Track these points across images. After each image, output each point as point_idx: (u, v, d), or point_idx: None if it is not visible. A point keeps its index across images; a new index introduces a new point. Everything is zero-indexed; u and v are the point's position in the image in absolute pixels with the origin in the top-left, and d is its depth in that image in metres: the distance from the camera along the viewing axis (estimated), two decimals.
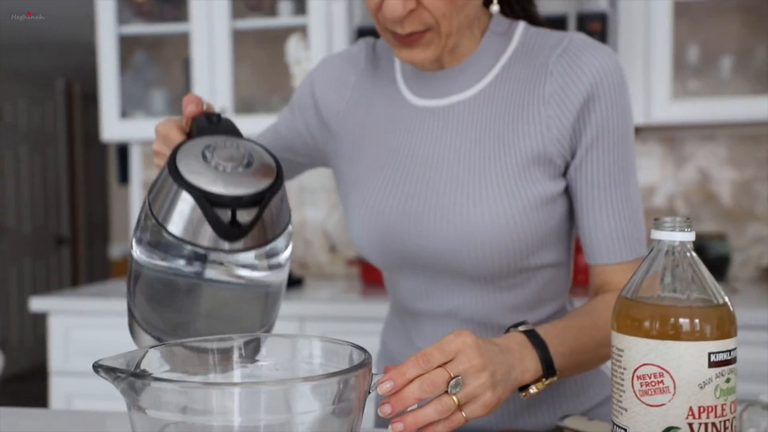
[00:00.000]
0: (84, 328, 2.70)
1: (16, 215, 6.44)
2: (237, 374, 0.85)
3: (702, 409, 0.69)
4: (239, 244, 0.84)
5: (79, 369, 2.70)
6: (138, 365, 0.78)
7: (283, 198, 0.89)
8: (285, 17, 2.92)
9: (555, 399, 1.13)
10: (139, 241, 0.88)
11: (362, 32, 2.59)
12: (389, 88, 1.15)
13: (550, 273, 1.11)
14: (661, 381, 0.69)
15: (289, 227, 0.92)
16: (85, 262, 7.39)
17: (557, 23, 2.37)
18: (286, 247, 0.92)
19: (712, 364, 0.69)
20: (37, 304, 2.75)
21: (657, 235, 0.73)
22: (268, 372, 0.85)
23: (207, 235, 0.82)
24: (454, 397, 0.82)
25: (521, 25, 1.10)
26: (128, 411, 0.73)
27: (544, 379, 0.94)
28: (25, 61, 6.41)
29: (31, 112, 6.64)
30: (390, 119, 1.13)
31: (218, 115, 0.93)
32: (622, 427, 0.72)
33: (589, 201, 1.06)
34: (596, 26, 2.52)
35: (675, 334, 0.69)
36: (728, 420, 0.69)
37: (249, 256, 0.87)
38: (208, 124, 0.91)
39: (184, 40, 3.05)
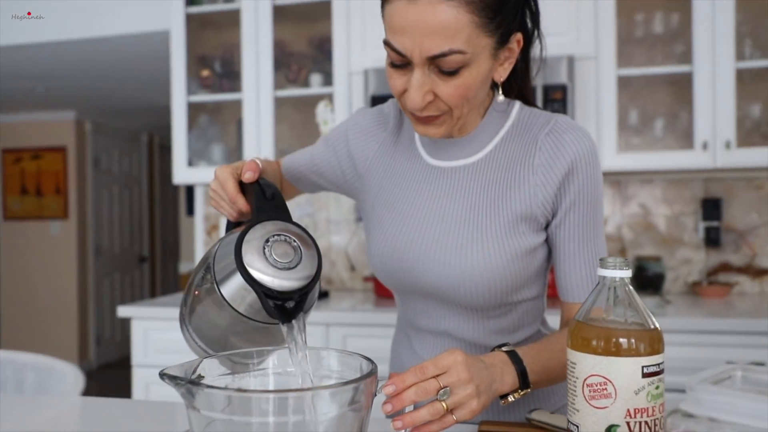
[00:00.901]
0: (159, 330, 2.71)
1: (109, 239, 6.48)
2: (271, 380, 0.85)
3: (637, 411, 0.68)
4: None
5: (155, 363, 2.70)
6: (194, 371, 0.78)
7: (318, 281, 0.88)
8: (315, 88, 2.95)
9: (527, 400, 1.12)
10: (198, 289, 0.88)
11: (375, 100, 2.61)
12: (409, 148, 1.14)
13: (528, 305, 1.11)
14: (605, 388, 0.69)
15: (316, 299, 0.92)
16: (160, 275, 7.42)
17: None
18: (315, 299, 0.91)
19: (644, 375, 0.69)
20: (122, 311, 2.76)
21: (602, 272, 0.73)
22: (295, 379, 0.85)
23: (261, 314, 0.83)
24: (443, 403, 0.84)
25: (517, 105, 1.10)
26: (186, 409, 0.73)
27: (520, 390, 0.95)
28: (117, 122, 6.48)
29: (122, 161, 6.71)
30: (408, 173, 1.12)
31: (273, 193, 0.91)
32: (575, 425, 0.72)
33: (566, 252, 1.05)
34: (558, 95, 2.53)
35: (616, 351, 0.69)
36: (657, 419, 0.69)
37: None
38: (264, 199, 0.90)
39: (237, 105, 3.08)
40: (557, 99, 2.52)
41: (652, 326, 0.70)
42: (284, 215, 0.89)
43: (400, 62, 0.95)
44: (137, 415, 1.16)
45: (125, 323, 6.44)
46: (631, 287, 0.73)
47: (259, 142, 2.93)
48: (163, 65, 3.81)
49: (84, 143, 6.20)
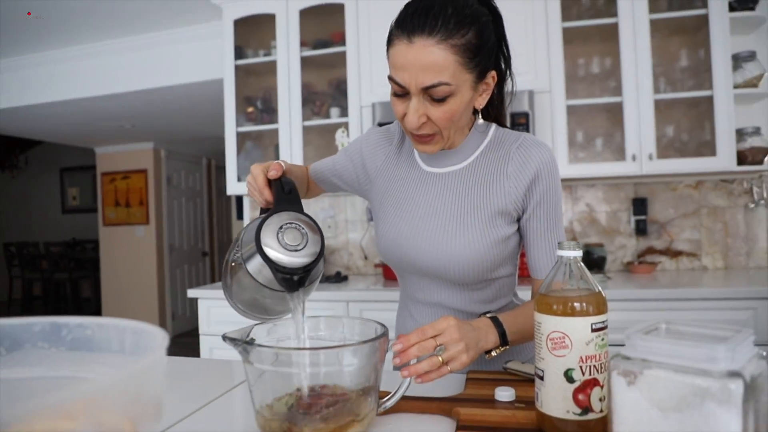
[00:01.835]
0: (218, 307, 2.70)
1: (179, 239, 6.48)
2: (307, 342, 0.84)
3: (588, 357, 0.67)
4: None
5: (216, 331, 2.69)
6: (248, 334, 0.78)
7: (323, 260, 0.87)
8: (334, 118, 2.94)
9: (504, 354, 1.11)
10: (233, 264, 0.88)
11: (381, 125, 2.59)
12: (409, 158, 1.13)
13: (504, 281, 1.10)
14: (564, 341, 0.68)
15: (321, 275, 0.90)
16: (218, 266, 7.41)
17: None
18: (320, 276, 0.91)
19: (593, 330, 0.67)
20: (191, 293, 2.76)
21: (560, 253, 0.72)
22: (326, 340, 0.85)
23: (274, 284, 0.83)
24: (440, 357, 0.84)
25: (493, 126, 1.09)
26: (243, 364, 0.73)
27: (500, 347, 0.96)
28: (184, 149, 6.49)
29: (187, 179, 6.70)
30: (408, 178, 1.12)
31: (290, 189, 0.91)
32: (541, 369, 0.70)
33: (534, 240, 1.05)
34: (522, 120, 2.51)
35: (571, 312, 0.68)
36: (603, 363, 0.68)
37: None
38: (282, 193, 0.90)
39: (274, 133, 3.07)
40: (522, 123, 2.50)
41: (598, 290, 0.69)
42: (298, 207, 0.89)
43: (401, 92, 0.94)
44: (205, 370, 1.16)
45: (193, 302, 6.45)
46: (581, 264, 0.72)
47: (291, 161, 2.91)
48: (218, 105, 3.82)
49: (160, 166, 6.20)
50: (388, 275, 2.84)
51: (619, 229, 2.89)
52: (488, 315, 0.98)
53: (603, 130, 2.82)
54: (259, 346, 0.68)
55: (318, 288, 2.62)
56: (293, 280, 0.81)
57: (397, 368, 1.19)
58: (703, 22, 2.56)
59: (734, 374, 0.47)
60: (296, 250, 0.82)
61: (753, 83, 2.56)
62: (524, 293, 1.18)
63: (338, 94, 3.02)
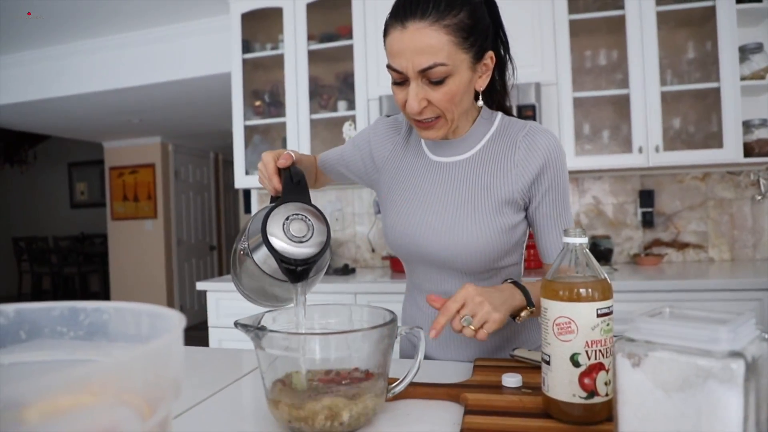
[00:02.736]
0: (227, 300, 2.72)
1: (187, 233, 6.51)
2: (317, 328, 0.85)
3: (593, 342, 0.68)
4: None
5: (225, 324, 2.72)
6: (259, 322, 0.79)
7: (328, 251, 0.88)
8: (341, 111, 2.95)
9: (511, 344, 1.12)
10: (241, 252, 0.89)
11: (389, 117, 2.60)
12: (417, 148, 1.13)
13: (510, 270, 1.10)
14: (570, 326, 0.69)
15: (326, 266, 0.91)
16: (226, 259, 7.45)
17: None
18: (326, 266, 0.92)
19: (598, 315, 0.68)
20: (200, 285, 2.78)
21: (566, 239, 0.73)
22: (335, 327, 0.86)
23: (279, 273, 0.84)
24: (471, 327, 0.88)
25: (499, 115, 1.09)
26: (255, 349, 0.74)
27: (528, 307, 0.97)
28: (191, 143, 6.51)
29: (195, 173, 6.73)
30: (416, 167, 1.12)
31: (299, 180, 0.91)
32: (547, 354, 0.72)
33: (544, 227, 1.05)
34: (529, 113, 2.51)
35: (577, 298, 0.69)
36: (608, 348, 0.69)
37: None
38: (291, 183, 0.90)
39: (282, 127, 3.08)
40: (529, 116, 2.50)
41: (603, 277, 0.70)
42: (305, 198, 0.89)
43: (400, 79, 0.95)
44: (215, 359, 1.17)
45: (201, 295, 6.49)
46: (587, 250, 0.72)
47: None
48: (225, 99, 3.83)
49: (167, 160, 6.23)
50: (396, 268, 2.86)
51: (625, 221, 2.89)
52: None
53: (610, 122, 2.81)
54: (271, 331, 0.70)
55: (326, 280, 2.64)
56: (296, 271, 0.82)
57: (404, 356, 1.20)
58: (710, 13, 2.55)
59: (736, 354, 0.48)
60: (301, 242, 0.83)
61: (760, 75, 2.55)
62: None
63: (345, 87, 3.02)
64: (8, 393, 0.29)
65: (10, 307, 0.54)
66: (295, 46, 2.94)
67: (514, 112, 1.27)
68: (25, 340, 0.54)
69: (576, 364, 0.69)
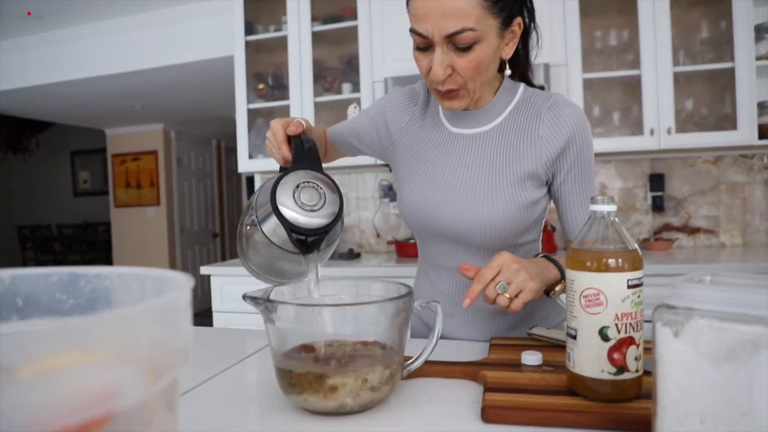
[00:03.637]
0: (231, 284, 2.70)
1: (190, 220, 6.49)
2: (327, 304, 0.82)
3: (623, 315, 0.64)
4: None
5: (229, 309, 2.69)
6: (268, 295, 0.76)
7: (341, 222, 0.84)
8: (346, 94, 2.90)
9: (527, 322, 1.09)
10: (248, 226, 0.86)
11: None
12: (435, 119, 1.09)
13: (528, 247, 1.07)
14: (598, 298, 0.65)
15: (338, 238, 0.87)
16: (229, 247, 7.43)
17: None
18: (337, 239, 0.88)
19: (629, 286, 0.65)
20: (204, 270, 2.75)
21: (593, 207, 0.69)
22: (349, 301, 0.82)
23: (288, 244, 0.80)
24: (506, 295, 0.85)
25: (522, 86, 1.05)
26: (264, 324, 0.71)
27: (563, 281, 0.94)
28: (194, 130, 6.47)
29: (198, 160, 6.69)
30: (434, 139, 1.08)
31: (309, 147, 0.87)
32: (573, 329, 0.68)
33: (569, 203, 1.03)
34: None
35: (606, 268, 0.65)
36: (638, 321, 0.65)
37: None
38: (302, 151, 0.86)
39: (286, 110, 3.04)
40: None
41: (633, 247, 0.66)
42: (316, 166, 0.85)
43: (424, 45, 0.91)
44: (220, 339, 1.14)
45: (205, 282, 6.47)
46: (616, 218, 0.69)
47: None
48: (228, 83, 3.79)
49: (170, 148, 6.19)
50: (401, 252, 2.82)
51: (635, 206, 2.85)
52: (540, 256, 0.97)
53: (620, 104, 2.76)
54: (283, 303, 0.66)
55: (330, 265, 2.60)
56: (308, 241, 0.78)
57: (415, 336, 1.17)
58: None
59: None
60: (313, 210, 0.79)
61: None
62: None
63: (350, 69, 2.97)
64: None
65: (6, 273, 0.50)
66: (298, 27, 2.89)
67: (534, 78, 1.23)
68: (22, 308, 0.50)
69: (605, 338, 0.65)
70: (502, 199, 0.98)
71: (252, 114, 3.07)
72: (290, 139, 0.89)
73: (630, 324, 0.65)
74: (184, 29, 3.64)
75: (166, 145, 6.13)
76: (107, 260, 7.43)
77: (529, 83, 1.09)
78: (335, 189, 0.82)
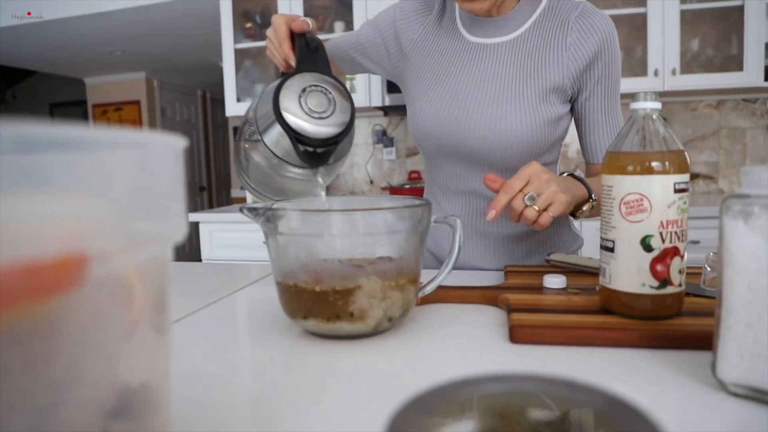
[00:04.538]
0: (220, 232, 2.63)
1: None
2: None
3: (669, 222, 0.58)
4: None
5: (219, 257, 2.62)
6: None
7: (351, 135, 0.75)
8: (339, 33, 2.75)
9: (543, 249, 1.03)
10: (247, 137, 0.77)
11: None
12: (451, 28, 1.01)
13: (548, 168, 1.00)
14: (641, 204, 0.58)
15: (347, 155, 0.79)
16: (216, 200, 7.32)
17: None
18: (346, 155, 0.80)
19: (676, 191, 0.58)
20: (192, 217, 2.67)
21: (634, 106, 0.61)
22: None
23: (293, 157, 0.71)
24: (535, 207, 0.77)
25: None
26: (266, 241, 0.63)
27: (591, 200, 0.87)
28: (178, 79, 6.27)
29: (182, 111, 6.50)
30: (450, 50, 0.99)
31: (316, 46, 0.78)
32: (611, 240, 0.61)
33: (593, 121, 0.96)
34: None
35: (650, 171, 0.58)
36: (684, 230, 0.59)
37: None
38: (307, 52, 0.77)
39: None
40: None
41: (680, 148, 0.60)
42: (324, 69, 0.75)
43: None
44: (208, 274, 1.08)
45: (192, 235, 6.38)
46: (660, 117, 0.61)
47: None
48: (213, 27, 3.62)
49: (153, 97, 6.00)
50: None
51: None
52: (565, 174, 0.90)
53: (624, 43, 2.66)
54: (287, 209, 0.59)
55: None
56: (316, 153, 0.71)
57: (424, 268, 1.10)
58: None
59: None
60: (321, 118, 0.70)
61: None
62: None
63: (342, 7, 2.83)
64: None
65: None
66: None
67: None
68: None
69: (648, 248, 0.58)
70: (526, 113, 0.91)
71: (239, 55, 2.93)
72: (294, 38, 0.80)
73: (675, 233, 0.58)
74: None
75: (149, 95, 5.93)
76: None
77: None
78: (346, 95, 0.73)
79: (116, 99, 6.00)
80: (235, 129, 6.21)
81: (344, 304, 0.58)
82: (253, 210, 0.62)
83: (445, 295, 0.76)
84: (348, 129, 0.72)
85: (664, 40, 2.41)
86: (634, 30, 2.62)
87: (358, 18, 2.62)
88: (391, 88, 2.68)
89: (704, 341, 0.53)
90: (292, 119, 0.69)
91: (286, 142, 0.70)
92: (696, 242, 2.17)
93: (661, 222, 0.58)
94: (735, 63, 2.48)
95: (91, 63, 5.36)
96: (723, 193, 2.70)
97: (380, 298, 0.59)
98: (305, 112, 0.70)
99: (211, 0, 3.37)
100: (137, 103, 5.90)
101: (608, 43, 0.91)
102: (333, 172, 0.78)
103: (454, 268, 1.04)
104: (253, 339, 0.65)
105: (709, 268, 0.70)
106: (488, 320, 0.68)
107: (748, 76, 2.37)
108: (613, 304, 0.62)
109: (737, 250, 0.43)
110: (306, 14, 2.79)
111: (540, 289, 0.76)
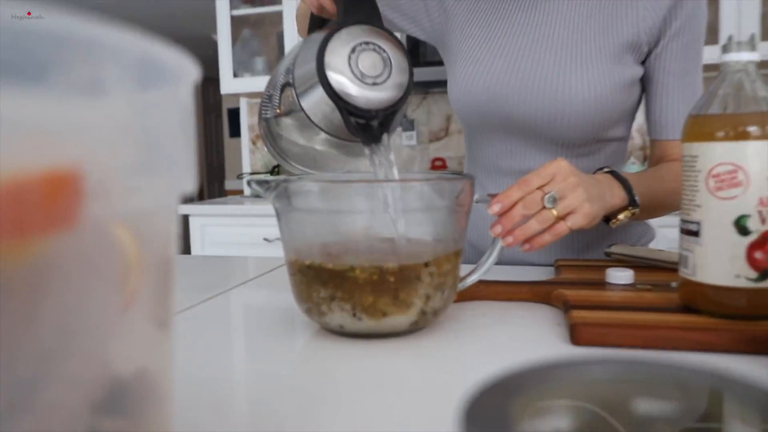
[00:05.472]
0: (213, 226, 2.66)
1: None
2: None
3: None
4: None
5: (210, 253, 2.62)
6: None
7: (407, 100, 0.70)
8: None
9: (605, 241, 0.99)
10: (279, 93, 0.74)
11: None
12: None
13: (615, 146, 0.97)
14: (735, 176, 0.55)
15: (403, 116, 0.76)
16: (207, 193, 7.37)
17: None
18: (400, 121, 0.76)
19: None
20: (181, 209, 2.66)
21: (725, 57, 0.59)
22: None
23: (341, 130, 0.68)
24: (553, 211, 0.69)
25: None
26: (278, 219, 0.62)
27: (630, 208, 0.81)
28: None
29: None
30: (501, 4, 0.96)
31: None
32: (695, 222, 0.58)
33: (664, 85, 0.91)
34: None
35: (747, 136, 0.55)
36: None
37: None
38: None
39: (278, 17, 2.89)
40: None
41: None
42: (375, 20, 0.69)
43: None
44: (203, 267, 1.07)
45: (183, 227, 6.41)
46: (758, 71, 0.58)
47: None
48: None
49: None
50: None
51: None
52: (605, 170, 0.84)
53: None
54: (300, 181, 0.57)
55: None
56: (372, 126, 0.67)
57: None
58: None
59: None
60: (376, 83, 0.66)
61: None
62: None
63: None
64: None
65: None
66: None
67: None
68: None
69: (743, 231, 0.56)
70: (595, 74, 0.88)
71: (237, 22, 2.92)
72: None
73: None
74: None
75: None
76: None
77: None
78: (402, 50, 0.68)
79: None
80: (230, 114, 6.23)
81: (382, 287, 0.56)
82: (263, 183, 0.60)
83: (486, 291, 0.74)
84: (407, 94, 0.68)
85: (740, 2, 2.37)
86: None
87: None
88: (413, 59, 2.66)
89: None
90: (342, 88, 0.64)
91: (332, 111, 0.67)
92: None
93: (761, 199, 0.55)
94: None
95: None
96: None
97: (428, 283, 0.57)
98: (358, 78, 0.65)
99: None
100: None
101: None
102: (389, 146, 0.76)
103: (500, 263, 1.01)
104: (265, 336, 0.63)
105: None
106: (541, 319, 0.66)
107: None
108: (698, 300, 0.59)
109: None
110: None
111: (602, 284, 0.73)
